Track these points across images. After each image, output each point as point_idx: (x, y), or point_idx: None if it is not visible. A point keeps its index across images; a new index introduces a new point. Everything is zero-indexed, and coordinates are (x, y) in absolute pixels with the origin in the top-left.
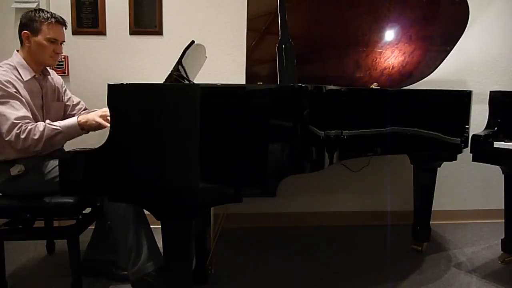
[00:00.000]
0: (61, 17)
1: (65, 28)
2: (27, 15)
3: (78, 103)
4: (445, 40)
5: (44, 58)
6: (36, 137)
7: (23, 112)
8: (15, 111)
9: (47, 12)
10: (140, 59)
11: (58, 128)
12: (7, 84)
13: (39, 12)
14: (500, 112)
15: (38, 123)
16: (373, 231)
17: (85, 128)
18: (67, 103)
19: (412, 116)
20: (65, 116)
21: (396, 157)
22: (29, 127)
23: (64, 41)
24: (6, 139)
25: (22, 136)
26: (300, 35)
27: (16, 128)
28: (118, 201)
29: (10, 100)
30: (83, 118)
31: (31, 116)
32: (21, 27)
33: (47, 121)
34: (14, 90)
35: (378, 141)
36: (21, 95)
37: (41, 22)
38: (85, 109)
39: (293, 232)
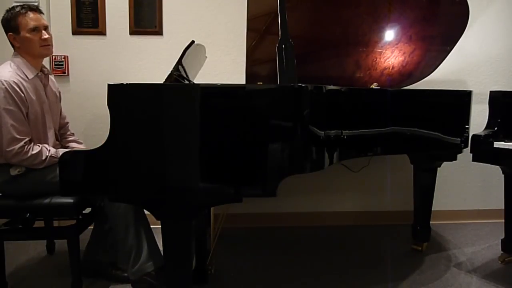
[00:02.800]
0: (32, 4)
1: (42, 14)
2: (3, 18)
3: (64, 117)
4: (445, 40)
5: (35, 50)
6: (35, 162)
7: (26, 126)
8: (20, 125)
9: (18, 6)
10: (140, 59)
11: (57, 160)
12: (15, 87)
13: (11, 10)
14: (500, 112)
15: (42, 150)
16: (373, 231)
17: None
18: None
19: (412, 116)
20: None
21: (396, 157)
22: (31, 153)
23: (47, 26)
24: (7, 149)
25: (23, 157)
26: (300, 35)
27: (19, 146)
28: (118, 201)
29: (16, 109)
30: None
31: (30, 131)
32: (5, 32)
33: (51, 150)
34: (22, 93)
35: (378, 141)
36: (26, 100)
37: (15, 18)
38: (67, 124)
39: (293, 232)
